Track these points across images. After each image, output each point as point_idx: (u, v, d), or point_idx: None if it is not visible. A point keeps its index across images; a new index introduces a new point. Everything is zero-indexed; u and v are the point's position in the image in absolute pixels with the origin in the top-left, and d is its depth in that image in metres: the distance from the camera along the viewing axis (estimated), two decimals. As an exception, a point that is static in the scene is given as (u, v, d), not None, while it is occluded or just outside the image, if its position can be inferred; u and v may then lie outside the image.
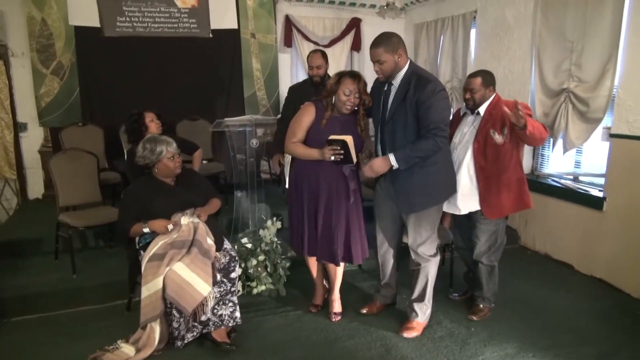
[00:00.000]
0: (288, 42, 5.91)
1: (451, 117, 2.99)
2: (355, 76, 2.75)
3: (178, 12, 5.34)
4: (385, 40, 2.60)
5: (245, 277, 3.36)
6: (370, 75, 2.77)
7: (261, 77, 5.79)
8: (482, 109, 2.87)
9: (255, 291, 3.36)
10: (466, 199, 2.92)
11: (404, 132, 2.65)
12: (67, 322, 3.07)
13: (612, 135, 3.52)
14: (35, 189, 5.19)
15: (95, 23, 5.04)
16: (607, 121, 3.60)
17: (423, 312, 2.93)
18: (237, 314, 2.79)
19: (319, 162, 2.76)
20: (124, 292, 3.17)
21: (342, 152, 2.65)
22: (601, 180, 3.75)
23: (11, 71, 4.96)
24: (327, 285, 3.23)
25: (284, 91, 5.23)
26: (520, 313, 3.14)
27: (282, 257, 3.50)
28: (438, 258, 2.91)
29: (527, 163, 4.40)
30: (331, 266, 3.01)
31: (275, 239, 3.47)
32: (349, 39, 6.10)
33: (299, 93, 3.68)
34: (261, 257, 3.38)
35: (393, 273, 3.10)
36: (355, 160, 2.73)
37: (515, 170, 2.89)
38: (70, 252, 3.51)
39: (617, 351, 2.72)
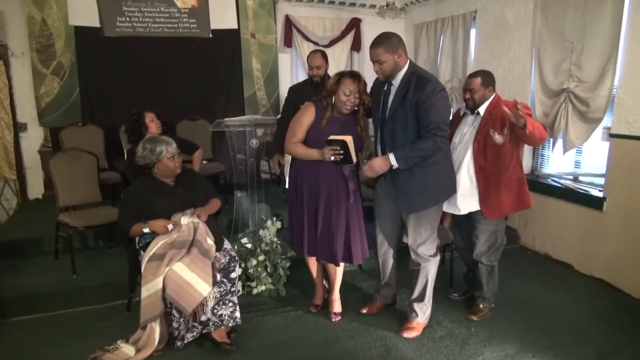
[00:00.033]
0: (288, 42, 5.91)
1: (451, 117, 3.00)
2: (355, 76, 2.75)
3: (178, 12, 5.34)
4: (385, 40, 2.60)
5: (245, 277, 3.36)
6: (370, 75, 2.77)
7: (261, 77, 5.79)
8: (482, 109, 2.87)
9: (255, 291, 3.36)
10: (466, 199, 2.92)
11: (403, 132, 2.65)
12: (67, 322, 3.07)
13: (612, 135, 3.52)
14: (35, 189, 5.19)
15: (95, 23, 5.05)
16: (607, 121, 3.60)
17: (423, 312, 2.93)
18: (237, 314, 2.79)
19: (319, 162, 2.76)
20: (124, 292, 3.17)
21: (342, 152, 2.65)
22: (601, 180, 3.75)
23: (11, 71, 4.96)
24: (327, 285, 3.23)
25: (283, 91, 5.23)
26: (520, 313, 3.14)
27: (282, 257, 3.50)
28: (438, 258, 2.91)
29: (527, 163, 4.40)
30: (331, 266, 3.01)
31: (275, 239, 3.47)
32: (348, 39, 6.10)
33: (299, 93, 3.68)
34: (261, 257, 3.38)
35: (393, 273, 3.10)
36: (355, 160, 2.73)
37: (515, 171, 2.89)
38: (70, 252, 3.51)
39: (617, 351, 2.72)
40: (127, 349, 2.66)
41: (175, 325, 2.69)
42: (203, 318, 2.68)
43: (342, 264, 3.01)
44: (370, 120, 2.94)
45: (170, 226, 2.71)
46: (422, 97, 2.55)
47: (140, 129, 3.44)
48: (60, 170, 3.70)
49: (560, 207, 4.01)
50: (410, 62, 2.70)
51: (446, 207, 2.97)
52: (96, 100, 5.16)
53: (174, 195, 2.83)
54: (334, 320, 3.06)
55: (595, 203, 3.66)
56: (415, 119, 2.60)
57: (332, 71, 3.38)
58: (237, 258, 2.87)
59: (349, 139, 2.65)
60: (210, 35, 5.48)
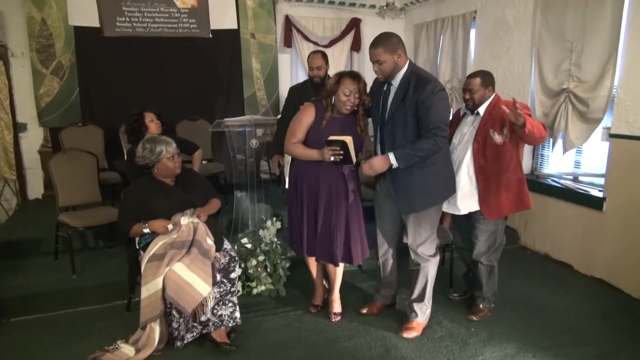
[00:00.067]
0: (288, 42, 5.91)
1: (451, 118, 3.00)
2: (355, 76, 2.74)
3: (178, 12, 5.34)
4: (385, 41, 2.60)
5: (245, 278, 3.36)
6: (370, 76, 2.77)
7: (261, 77, 5.79)
8: (481, 109, 2.87)
9: (255, 291, 3.36)
10: (466, 199, 2.92)
11: (403, 132, 2.65)
12: (67, 323, 3.07)
13: (611, 136, 3.52)
14: (35, 189, 5.19)
15: (95, 23, 5.05)
16: (606, 121, 3.60)
17: (423, 312, 2.93)
18: (237, 314, 2.79)
19: (319, 162, 2.76)
20: (123, 293, 3.17)
21: (342, 152, 2.65)
22: (601, 181, 3.75)
23: (11, 71, 4.96)
24: (327, 286, 3.23)
25: (283, 91, 5.24)
26: (520, 313, 3.14)
27: (282, 257, 3.50)
28: (438, 258, 2.91)
29: (527, 163, 4.40)
30: (331, 266, 3.01)
31: (275, 239, 3.46)
32: (348, 39, 6.10)
33: (299, 94, 3.67)
34: (261, 258, 3.38)
35: (393, 273, 3.10)
36: (354, 160, 2.73)
37: (515, 171, 2.89)
38: (70, 253, 3.51)
39: (617, 351, 2.72)
40: (127, 349, 2.66)
41: (175, 325, 2.69)
42: (203, 318, 2.68)
43: (341, 264, 3.01)
44: (370, 120, 2.94)
45: (170, 226, 2.71)
46: (422, 97, 2.55)
47: (140, 129, 3.44)
48: (60, 171, 3.70)
49: (560, 207, 4.01)
50: (410, 62, 2.69)
51: (446, 207, 2.97)
52: (96, 100, 5.16)
53: (173, 196, 2.83)
54: (333, 320, 3.06)
55: (595, 203, 3.66)
56: (415, 119, 2.60)
57: (332, 71, 3.38)
58: (237, 258, 2.87)
59: (348, 139, 2.65)
60: (210, 35, 5.49)
